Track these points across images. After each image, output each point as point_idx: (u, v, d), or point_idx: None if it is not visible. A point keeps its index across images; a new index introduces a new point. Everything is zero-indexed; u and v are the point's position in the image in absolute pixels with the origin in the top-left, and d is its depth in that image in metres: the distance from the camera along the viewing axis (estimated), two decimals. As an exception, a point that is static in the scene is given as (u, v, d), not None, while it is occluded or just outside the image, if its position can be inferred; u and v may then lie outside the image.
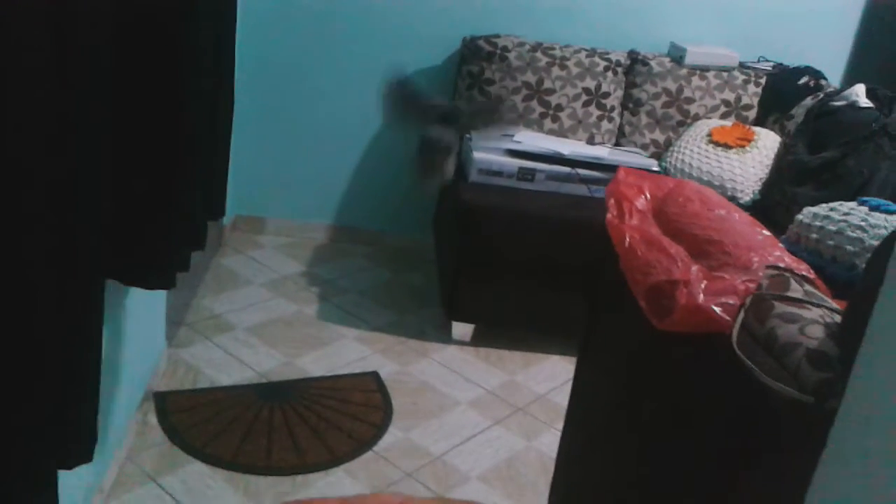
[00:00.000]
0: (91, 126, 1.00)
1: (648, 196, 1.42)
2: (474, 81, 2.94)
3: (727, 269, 1.13)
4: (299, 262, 3.12)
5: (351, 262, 3.19)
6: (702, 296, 1.04)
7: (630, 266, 1.23)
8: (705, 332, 1.04)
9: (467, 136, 2.85)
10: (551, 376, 2.56)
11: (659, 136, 2.98)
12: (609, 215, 1.37)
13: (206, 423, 2.06)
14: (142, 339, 2.00)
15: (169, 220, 1.41)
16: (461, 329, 2.69)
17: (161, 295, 2.12)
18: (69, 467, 1.07)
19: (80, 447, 1.08)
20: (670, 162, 2.84)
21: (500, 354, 2.66)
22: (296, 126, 3.22)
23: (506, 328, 2.75)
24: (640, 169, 2.63)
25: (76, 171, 0.97)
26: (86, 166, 0.99)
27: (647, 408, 1.28)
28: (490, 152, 2.68)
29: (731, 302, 1.03)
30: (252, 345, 2.48)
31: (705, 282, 1.06)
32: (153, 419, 2.05)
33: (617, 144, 2.99)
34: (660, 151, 2.97)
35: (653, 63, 2.97)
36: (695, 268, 1.10)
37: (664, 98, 2.96)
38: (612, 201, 1.40)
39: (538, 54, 2.93)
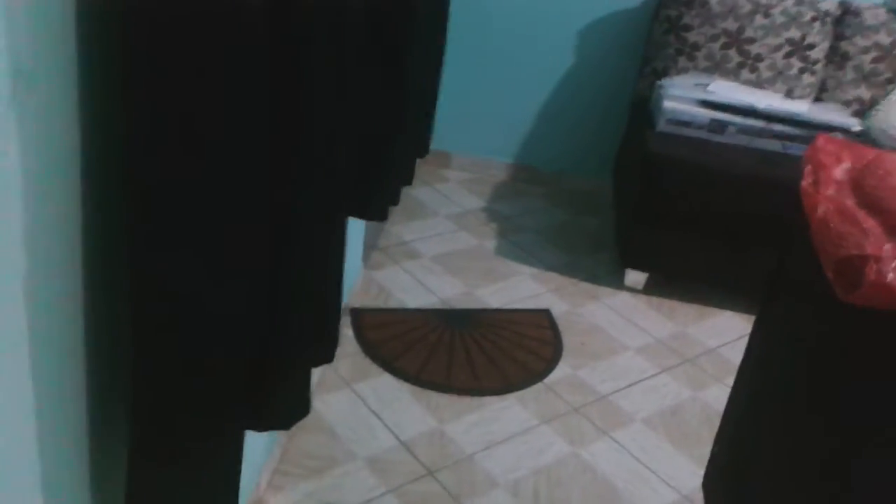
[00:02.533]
0: (349, 78, 1.16)
1: (847, 165, 1.41)
2: (671, 26, 2.90)
3: (924, 249, 1.13)
4: (480, 198, 3.26)
5: (529, 201, 3.30)
6: (891, 274, 1.06)
7: (821, 236, 1.25)
8: (893, 310, 1.06)
9: (659, 82, 2.84)
10: (723, 331, 2.58)
11: (864, 94, 2.82)
12: (805, 182, 1.38)
13: (394, 340, 2.27)
14: (346, 259, 2.22)
15: (392, 161, 1.58)
16: (634, 276, 2.75)
17: (361, 221, 2.34)
18: (316, 365, 1.27)
19: (329, 349, 1.28)
20: (873, 122, 2.70)
21: (672, 305, 2.69)
22: (486, 65, 3.32)
23: (680, 280, 2.78)
24: (841, 128, 2.55)
25: (341, 122, 1.13)
26: (345, 116, 1.15)
27: (825, 376, 1.31)
28: (681, 102, 2.66)
29: (923, 283, 1.04)
30: (436, 272, 2.67)
31: (898, 261, 1.08)
32: (349, 332, 2.29)
33: (817, 99, 2.87)
34: (863, 109, 2.82)
35: (866, 14, 2.80)
36: (888, 245, 1.11)
37: (874, 52, 2.79)
38: (808, 168, 1.41)
39: (741, 0, 2.83)
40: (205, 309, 0.85)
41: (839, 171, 1.40)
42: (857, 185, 1.39)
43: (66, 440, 0.85)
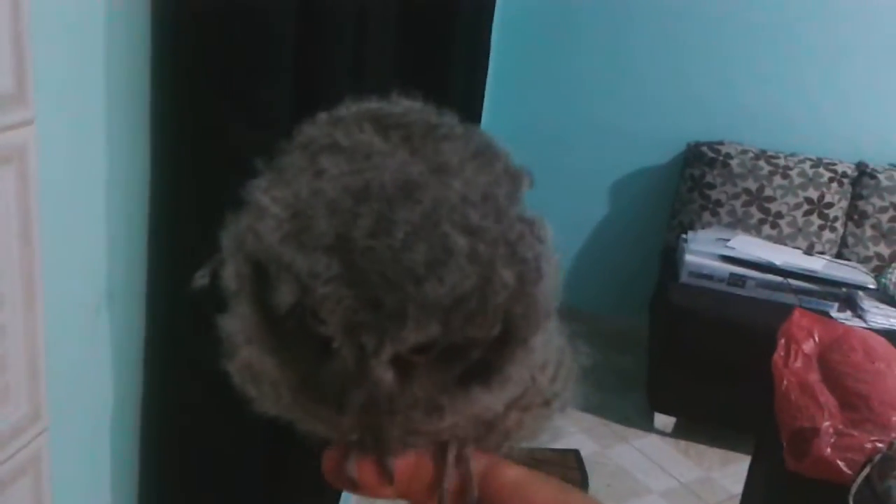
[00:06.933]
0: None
1: (817, 340, 1.58)
2: (695, 185, 3.13)
3: (866, 425, 1.29)
4: (521, 338, 3.45)
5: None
6: (829, 449, 1.21)
7: (781, 407, 1.41)
8: (833, 482, 1.21)
9: (683, 235, 3.05)
10: (746, 478, 2.65)
11: (884, 250, 2.97)
12: (776, 355, 1.55)
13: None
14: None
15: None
16: (663, 420, 2.86)
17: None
18: None
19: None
20: (890, 279, 2.83)
21: (700, 449, 2.79)
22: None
23: (708, 424, 2.87)
24: (854, 286, 2.69)
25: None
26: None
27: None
28: (703, 256, 2.85)
29: (855, 458, 1.19)
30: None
31: (835, 437, 1.23)
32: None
33: (838, 255, 3.02)
34: (883, 265, 2.96)
35: (882, 176, 2.98)
36: (827, 423, 1.27)
37: (892, 212, 2.95)
38: (782, 341, 1.59)
39: (761, 162, 3.05)
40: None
41: (809, 345, 1.57)
42: (824, 359, 1.55)
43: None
